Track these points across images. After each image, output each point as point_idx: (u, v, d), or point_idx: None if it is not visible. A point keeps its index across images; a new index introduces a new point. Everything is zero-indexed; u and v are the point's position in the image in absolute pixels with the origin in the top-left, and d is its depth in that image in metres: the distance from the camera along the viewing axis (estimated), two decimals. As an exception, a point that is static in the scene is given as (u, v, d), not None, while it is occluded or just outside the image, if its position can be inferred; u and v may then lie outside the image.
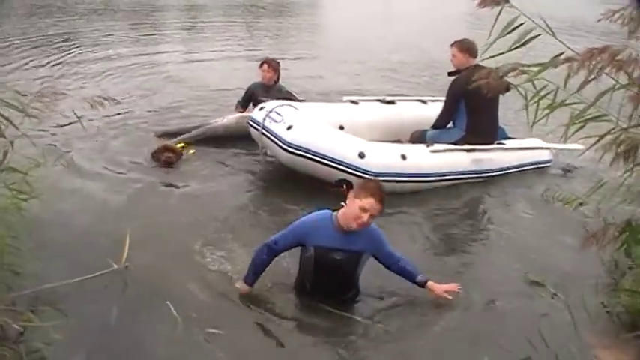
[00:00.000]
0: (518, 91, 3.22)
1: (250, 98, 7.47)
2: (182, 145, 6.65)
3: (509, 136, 6.87)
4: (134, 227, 4.71)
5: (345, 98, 7.17)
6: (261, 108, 6.25)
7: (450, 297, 4.12)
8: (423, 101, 7.25)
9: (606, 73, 2.86)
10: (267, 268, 4.08)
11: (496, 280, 4.61)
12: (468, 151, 6.24)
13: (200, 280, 4.33)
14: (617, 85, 3.01)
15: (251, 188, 6.13)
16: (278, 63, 7.55)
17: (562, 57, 3.02)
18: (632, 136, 3.32)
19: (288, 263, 4.29)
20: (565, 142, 3.40)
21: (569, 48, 3.11)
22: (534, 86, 3.19)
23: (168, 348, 3.64)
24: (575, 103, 3.18)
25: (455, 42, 6.28)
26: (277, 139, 5.81)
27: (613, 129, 3.20)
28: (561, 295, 4.20)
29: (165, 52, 12.53)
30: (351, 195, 3.84)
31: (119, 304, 3.94)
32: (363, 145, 5.83)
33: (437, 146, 6.16)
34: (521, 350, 3.67)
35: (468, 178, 6.28)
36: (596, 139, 3.19)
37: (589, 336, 3.87)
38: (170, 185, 5.96)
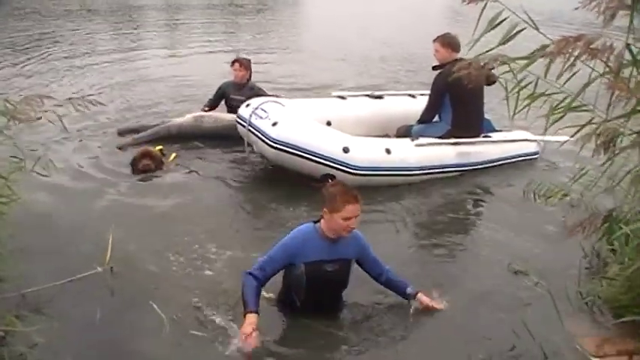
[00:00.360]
0: (500, 82, 3.24)
1: (222, 97, 7.52)
2: (160, 148, 6.58)
3: (496, 128, 6.88)
4: (117, 229, 4.67)
5: (333, 94, 7.20)
6: (248, 105, 6.27)
7: (440, 307, 4.06)
8: (412, 96, 7.25)
9: (582, 61, 2.89)
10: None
11: (480, 271, 4.63)
12: (453, 144, 6.27)
13: (184, 280, 4.30)
14: (595, 75, 3.04)
15: (234, 188, 6.10)
16: (249, 61, 7.55)
17: (540, 49, 3.05)
18: (611, 127, 3.37)
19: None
20: (546, 132, 3.44)
21: (550, 40, 3.14)
22: (515, 77, 3.22)
23: (153, 349, 3.61)
24: (555, 93, 3.22)
25: (437, 37, 6.31)
26: (263, 135, 5.85)
27: (592, 119, 3.24)
28: (545, 284, 4.22)
29: (144, 50, 12.52)
30: (325, 211, 3.66)
31: (103, 306, 3.90)
32: (348, 139, 5.88)
33: (422, 140, 6.19)
34: (505, 340, 3.72)
35: (454, 171, 6.32)
36: (577, 129, 3.23)
37: (572, 325, 3.89)
38: (152, 187, 5.95)
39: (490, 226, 5.42)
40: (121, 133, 7.25)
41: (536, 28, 3.26)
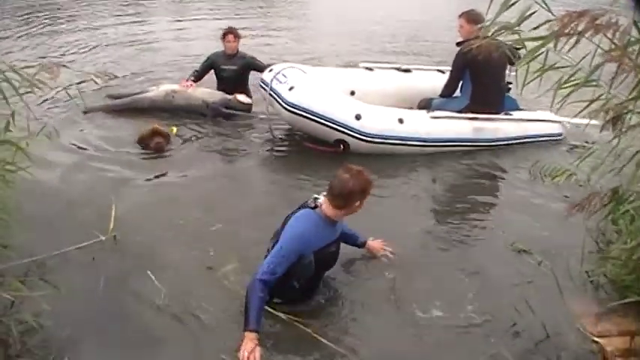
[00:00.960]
0: (507, 53, 3.23)
1: (210, 67, 7.45)
2: (171, 128, 6.52)
3: (521, 108, 6.83)
4: (121, 200, 4.73)
5: (361, 65, 7.23)
6: (271, 70, 6.40)
7: (390, 254, 4.24)
8: (441, 71, 7.17)
9: (587, 38, 2.87)
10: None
11: (483, 249, 4.63)
12: (469, 119, 6.29)
13: (185, 252, 4.32)
14: (601, 52, 3.02)
15: (237, 162, 6.13)
16: (237, 30, 7.54)
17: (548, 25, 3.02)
18: (620, 104, 3.34)
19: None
20: (553, 106, 3.43)
21: (554, 16, 3.11)
22: (525, 48, 3.20)
23: (153, 318, 3.65)
24: (564, 67, 3.20)
25: (462, 13, 6.31)
26: (280, 98, 6.03)
27: (601, 95, 3.22)
28: (548, 263, 4.22)
29: (151, 23, 12.37)
30: (357, 205, 3.62)
31: (106, 275, 3.95)
32: (361, 107, 6.03)
33: (437, 112, 6.26)
34: (506, 318, 3.74)
35: (469, 145, 6.34)
36: (586, 105, 3.20)
37: (575, 305, 3.90)
38: (157, 160, 5.95)
39: (496, 205, 5.45)
40: (110, 97, 7.33)
41: (549, 10, 3.23)
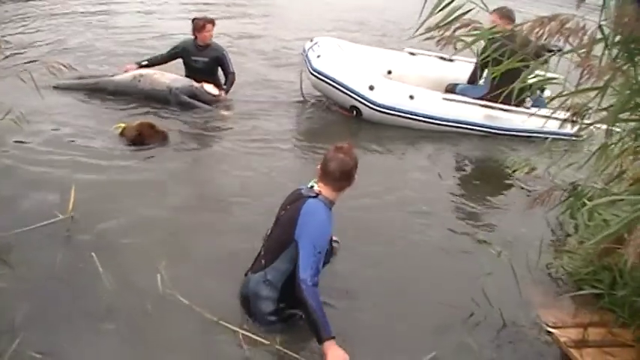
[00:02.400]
0: (471, 49, 3.29)
1: (178, 56, 7.09)
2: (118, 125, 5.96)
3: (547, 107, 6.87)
4: (80, 179, 4.65)
5: (406, 49, 7.49)
6: (312, 40, 7.12)
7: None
8: None
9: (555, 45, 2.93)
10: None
11: (443, 240, 4.66)
12: (482, 106, 6.58)
13: (143, 230, 4.30)
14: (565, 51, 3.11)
15: (201, 155, 5.97)
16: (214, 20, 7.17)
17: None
18: (581, 101, 3.43)
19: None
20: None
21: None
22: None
23: (97, 298, 3.60)
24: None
25: (495, 9, 6.36)
26: (309, 64, 6.85)
27: (562, 92, 3.30)
28: (507, 255, 4.27)
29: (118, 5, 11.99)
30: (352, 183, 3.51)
31: (63, 253, 3.89)
32: (376, 79, 6.59)
33: (451, 95, 6.66)
34: (465, 308, 3.79)
35: (478, 130, 6.65)
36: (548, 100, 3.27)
37: (532, 295, 3.98)
38: (119, 142, 5.78)
39: (457, 196, 5.48)
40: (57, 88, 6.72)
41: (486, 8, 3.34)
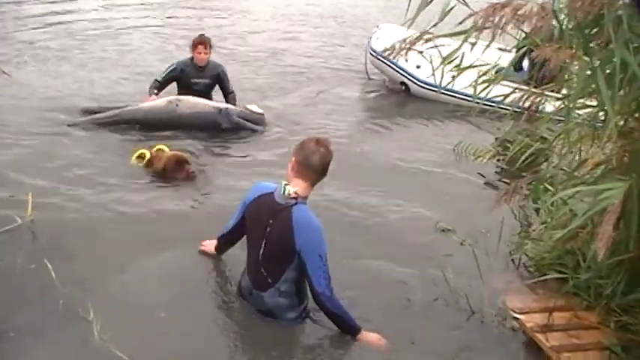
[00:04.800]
0: (424, 57, 3.33)
1: (176, 79, 6.61)
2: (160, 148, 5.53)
3: None
4: (38, 184, 4.60)
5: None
6: (378, 25, 8.47)
7: None
8: None
9: (508, 33, 2.93)
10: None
11: (407, 229, 4.66)
12: (515, 89, 6.61)
13: (104, 233, 4.23)
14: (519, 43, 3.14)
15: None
16: (210, 39, 6.75)
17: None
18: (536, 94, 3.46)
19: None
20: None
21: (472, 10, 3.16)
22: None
23: (49, 304, 3.47)
24: (481, 65, 3.31)
25: None
26: (370, 45, 8.20)
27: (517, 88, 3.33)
28: (471, 242, 4.30)
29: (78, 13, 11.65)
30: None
31: (23, 258, 3.81)
32: (422, 60, 6.61)
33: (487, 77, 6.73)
34: (430, 296, 3.82)
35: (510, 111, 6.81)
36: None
37: (498, 282, 4.01)
38: (71, 145, 5.70)
39: (421, 184, 5.50)
40: (85, 112, 6.38)
41: (466, 5, 3.32)
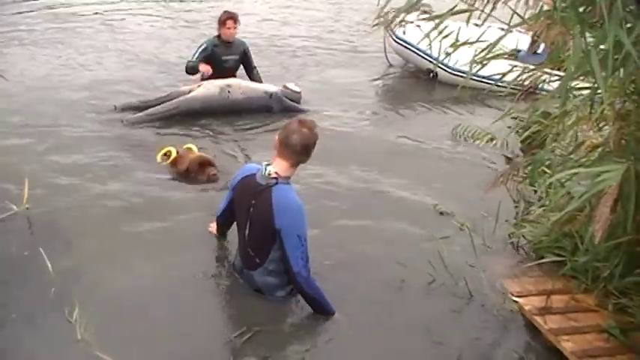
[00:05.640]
0: (422, 31, 3.30)
1: (211, 58, 6.57)
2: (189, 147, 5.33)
3: None
4: (33, 171, 4.59)
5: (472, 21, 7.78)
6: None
7: None
8: None
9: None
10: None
11: (404, 212, 4.65)
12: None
13: (100, 221, 4.24)
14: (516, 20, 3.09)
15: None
16: (237, 14, 6.75)
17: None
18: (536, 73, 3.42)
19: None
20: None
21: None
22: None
23: (41, 292, 3.49)
24: (477, 42, 3.27)
25: None
26: (394, 34, 8.01)
27: (515, 66, 3.29)
28: (470, 225, 4.29)
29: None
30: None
31: (18, 245, 3.83)
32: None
33: (511, 62, 6.68)
34: (430, 280, 3.82)
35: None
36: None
37: (496, 265, 4.02)
38: (74, 136, 5.66)
39: (419, 168, 5.48)
40: (123, 109, 6.16)
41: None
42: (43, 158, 5.10)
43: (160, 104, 6.10)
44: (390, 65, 8.55)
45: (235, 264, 3.73)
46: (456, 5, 3.09)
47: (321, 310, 3.45)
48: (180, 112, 6.06)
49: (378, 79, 8.26)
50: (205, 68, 6.46)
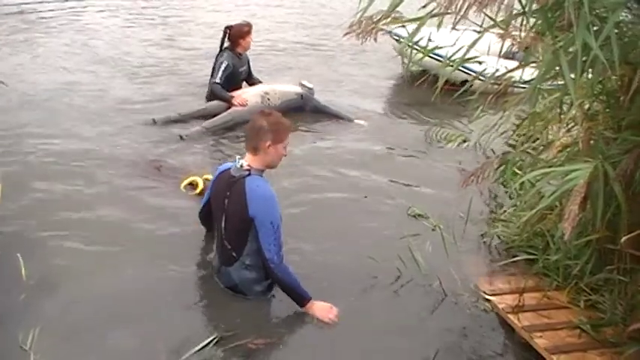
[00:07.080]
0: (392, 37, 3.30)
1: (231, 74, 6.42)
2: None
3: None
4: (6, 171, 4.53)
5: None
6: None
7: None
8: None
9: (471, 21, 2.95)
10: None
11: (378, 214, 4.69)
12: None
13: (74, 220, 4.23)
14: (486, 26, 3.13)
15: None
16: None
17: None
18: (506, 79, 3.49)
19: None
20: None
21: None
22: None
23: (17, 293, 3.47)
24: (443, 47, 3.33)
25: None
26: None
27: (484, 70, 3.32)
28: (443, 226, 4.35)
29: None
30: (269, 145, 3.40)
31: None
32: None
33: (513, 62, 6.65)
34: (404, 280, 3.86)
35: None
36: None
37: (469, 265, 4.06)
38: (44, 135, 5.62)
39: (392, 170, 5.50)
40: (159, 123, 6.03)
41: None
42: (21, 162, 5.04)
43: (202, 116, 6.13)
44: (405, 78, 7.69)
45: (213, 265, 3.75)
46: (433, 10, 3.11)
47: (296, 295, 3.47)
48: (236, 124, 6.05)
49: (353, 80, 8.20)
50: (241, 100, 6.26)
